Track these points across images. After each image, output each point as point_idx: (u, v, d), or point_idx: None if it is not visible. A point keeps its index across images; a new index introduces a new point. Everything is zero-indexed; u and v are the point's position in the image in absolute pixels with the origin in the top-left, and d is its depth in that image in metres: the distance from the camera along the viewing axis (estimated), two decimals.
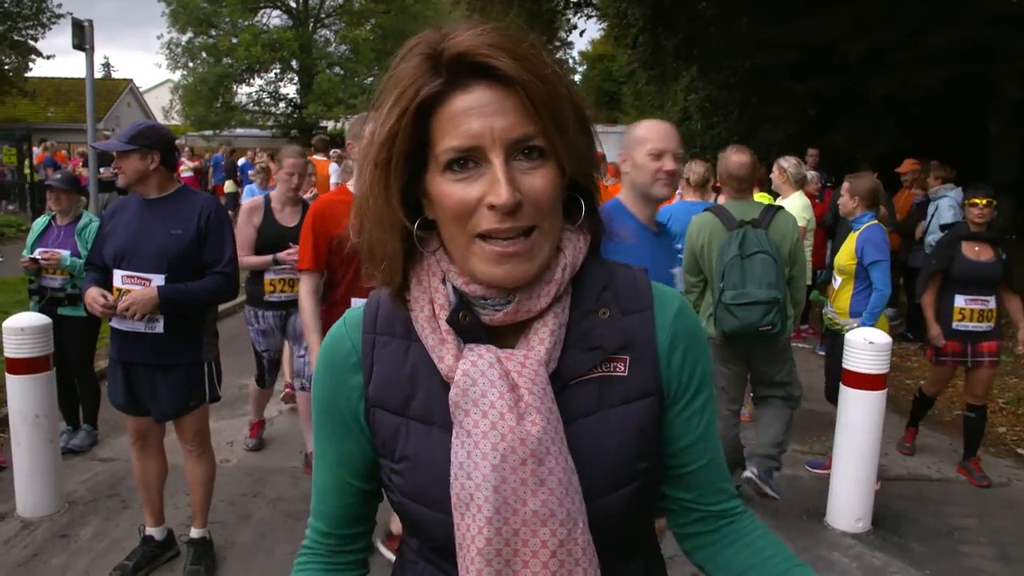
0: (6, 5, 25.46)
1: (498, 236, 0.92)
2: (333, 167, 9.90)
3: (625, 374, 1.01)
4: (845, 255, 4.78)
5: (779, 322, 3.88)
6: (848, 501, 4.23)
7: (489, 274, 0.94)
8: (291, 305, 4.59)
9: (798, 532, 4.18)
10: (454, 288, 0.99)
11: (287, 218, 4.72)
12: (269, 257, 4.60)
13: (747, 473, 4.22)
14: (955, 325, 4.82)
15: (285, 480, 4.71)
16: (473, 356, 0.96)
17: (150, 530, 3.68)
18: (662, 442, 1.05)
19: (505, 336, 1.00)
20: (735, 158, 4.19)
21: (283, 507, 4.35)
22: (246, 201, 4.30)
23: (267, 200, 4.80)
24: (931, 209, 7.92)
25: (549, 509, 0.91)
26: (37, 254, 4.75)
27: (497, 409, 0.92)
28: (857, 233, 4.73)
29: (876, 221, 4.77)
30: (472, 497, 0.92)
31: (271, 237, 4.64)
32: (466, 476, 0.93)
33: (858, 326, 4.46)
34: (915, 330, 8.58)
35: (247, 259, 4.53)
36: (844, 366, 4.22)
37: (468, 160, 0.92)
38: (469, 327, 0.98)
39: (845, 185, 4.90)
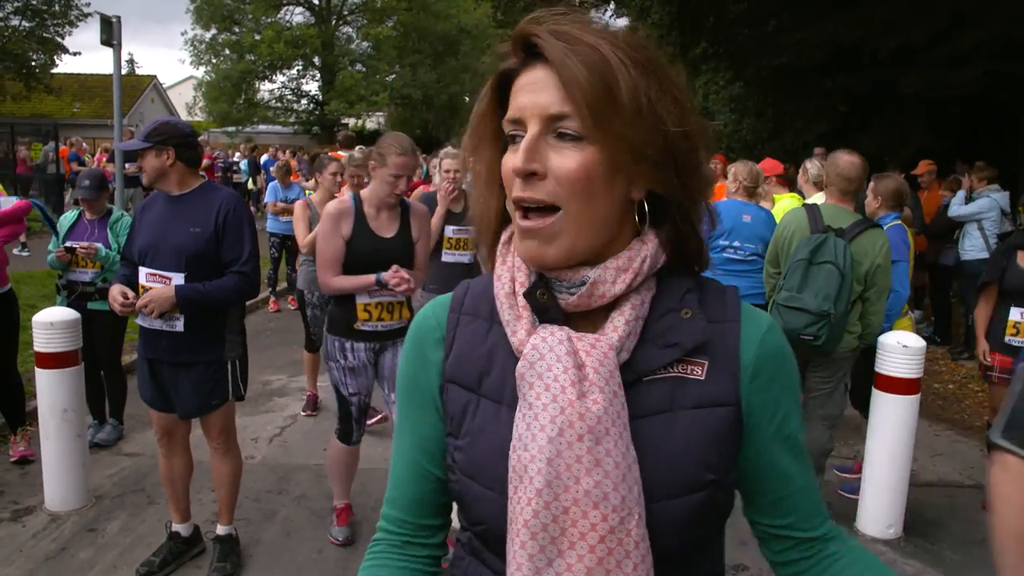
0: (34, 2, 25.75)
1: (520, 204, 0.94)
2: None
3: (702, 378, 0.98)
4: None
5: (824, 335, 3.76)
6: (879, 507, 4.16)
7: (520, 249, 0.97)
8: (388, 336, 3.75)
9: None
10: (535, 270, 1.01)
11: (384, 226, 3.70)
12: (371, 278, 3.59)
13: None
14: (1008, 339, 4.53)
15: (309, 477, 4.71)
16: (544, 332, 0.96)
17: (176, 526, 3.68)
18: (734, 462, 1.01)
19: (583, 324, 1.00)
20: (845, 159, 4.04)
21: (308, 504, 4.34)
22: (331, 203, 3.68)
23: (358, 203, 3.69)
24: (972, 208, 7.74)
25: (602, 491, 0.89)
26: (74, 246, 4.78)
27: (560, 383, 0.92)
28: None
29: (899, 222, 4.68)
30: (526, 469, 0.91)
31: (366, 252, 3.62)
32: (523, 448, 0.92)
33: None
34: (942, 333, 8.47)
35: (339, 281, 3.61)
36: (877, 370, 4.14)
37: (518, 134, 0.94)
38: (546, 307, 0.98)
39: (870, 186, 4.83)
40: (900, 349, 4.02)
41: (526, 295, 0.99)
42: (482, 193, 1.04)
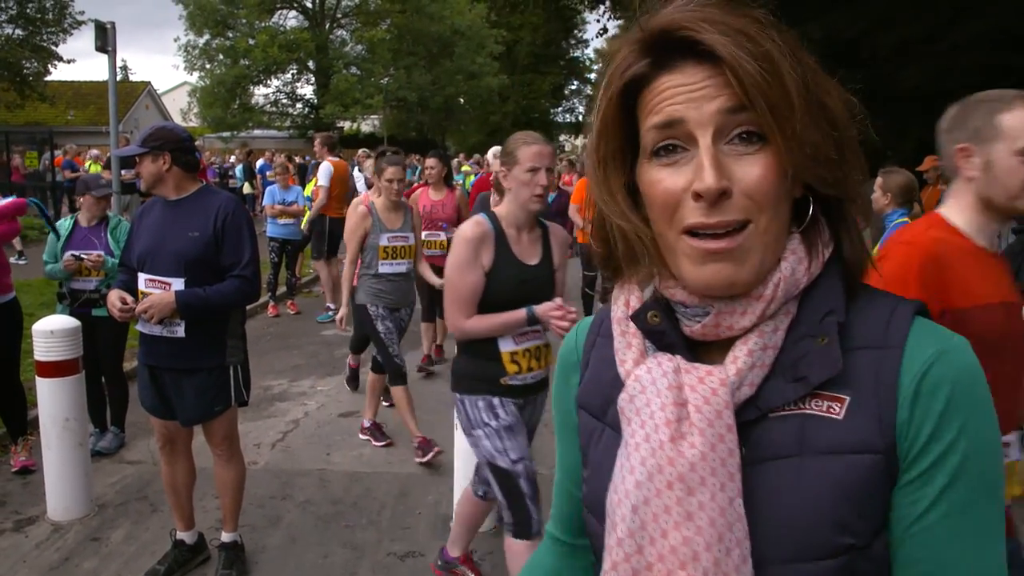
0: (28, 11, 25.73)
1: (705, 231, 0.80)
2: (324, 166, 8.83)
3: (840, 417, 0.80)
4: (876, 254, 4.68)
5: None
6: None
7: (694, 275, 0.82)
8: (536, 390, 3.06)
9: None
10: (654, 291, 0.90)
11: (528, 251, 2.95)
12: (521, 314, 2.83)
13: None
14: None
15: (313, 482, 4.68)
16: (652, 363, 0.86)
17: (181, 534, 3.65)
18: (884, 521, 0.80)
19: (709, 353, 0.87)
20: None
21: (312, 510, 4.32)
22: (466, 225, 2.91)
23: (496, 224, 2.91)
24: None
25: (692, 550, 0.77)
26: (88, 259, 4.75)
27: (655, 420, 0.82)
28: (887, 231, 4.61)
29: (908, 219, 4.62)
30: (615, 512, 0.83)
31: (509, 285, 2.87)
32: (614, 490, 0.84)
33: None
34: None
35: (478, 323, 2.85)
36: None
37: (676, 145, 0.82)
38: (660, 331, 0.88)
39: (877, 181, 4.80)
40: None
41: (633, 318, 0.89)
42: (623, 218, 0.89)
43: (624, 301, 0.93)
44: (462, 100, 37.27)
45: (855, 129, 0.86)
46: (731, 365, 0.83)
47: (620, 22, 20.16)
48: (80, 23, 26.31)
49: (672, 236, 0.83)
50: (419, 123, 36.84)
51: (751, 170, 0.79)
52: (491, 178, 6.29)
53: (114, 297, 3.22)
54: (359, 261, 5.16)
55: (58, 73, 28.22)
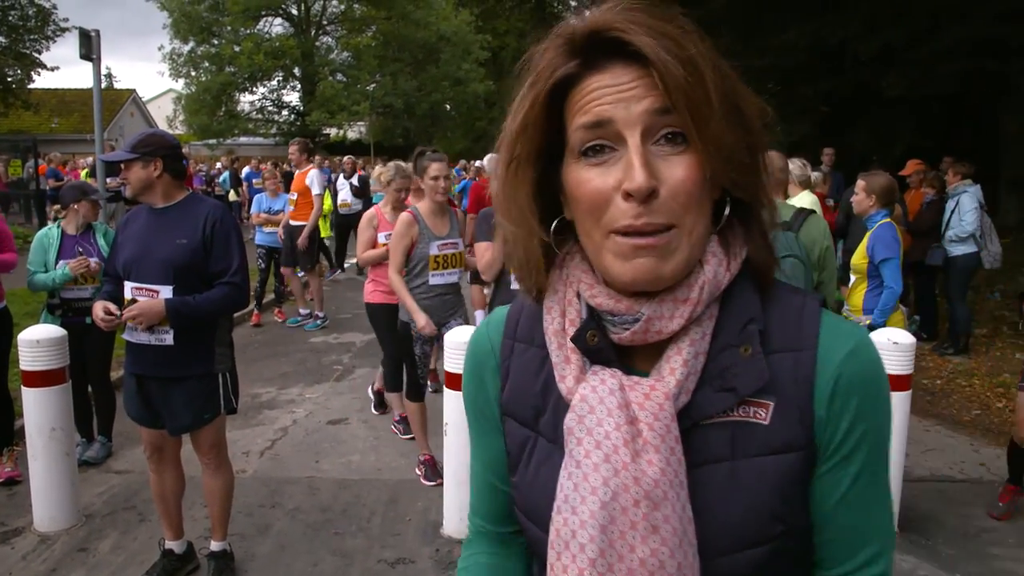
0: (11, 18, 25.56)
1: (634, 232, 0.82)
2: (314, 174, 8.71)
3: (766, 422, 0.86)
4: (859, 254, 4.83)
5: None
6: None
7: (621, 270, 0.83)
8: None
9: None
10: (586, 304, 0.91)
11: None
12: None
13: None
14: None
15: (302, 490, 4.67)
16: (595, 381, 0.88)
17: (169, 543, 3.63)
18: (806, 504, 0.89)
19: (637, 357, 0.91)
20: (771, 154, 4.19)
21: (301, 518, 4.31)
22: None
23: None
24: (950, 205, 7.84)
25: (659, 560, 0.82)
26: (93, 263, 4.75)
27: (612, 441, 0.84)
28: (871, 232, 4.77)
29: (889, 220, 4.78)
30: (575, 535, 0.84)
31: None
32: (571, 511, 0.85)
33: (869, 323, 4.49)
34: (928, 330, 8.53)
35: None
36: None
37: (604, 145, 0.83)
38: (600, 349, 0.89)
39: (860, 183, 4.91)
40: (891, 346, 4.04)
41: (574, 340, 0.90)
42: (519, 239, 0.92)
43: (560, 312, 0.93)
44: (448, 106, 37.29)
45: (767, 136, 0.89)
46: (669, 377, 0.86)
47: None
48: (64, 30, 26.14)
49: (599, 235, 0.85)
50: (405, 129, 36.77)
51: (676, 171, 0.81)
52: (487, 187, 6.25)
53: (98, 308, 3.21)
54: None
55: (42, 80, 28.01)
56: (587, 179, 0.84)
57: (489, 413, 1.03)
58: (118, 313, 3.20)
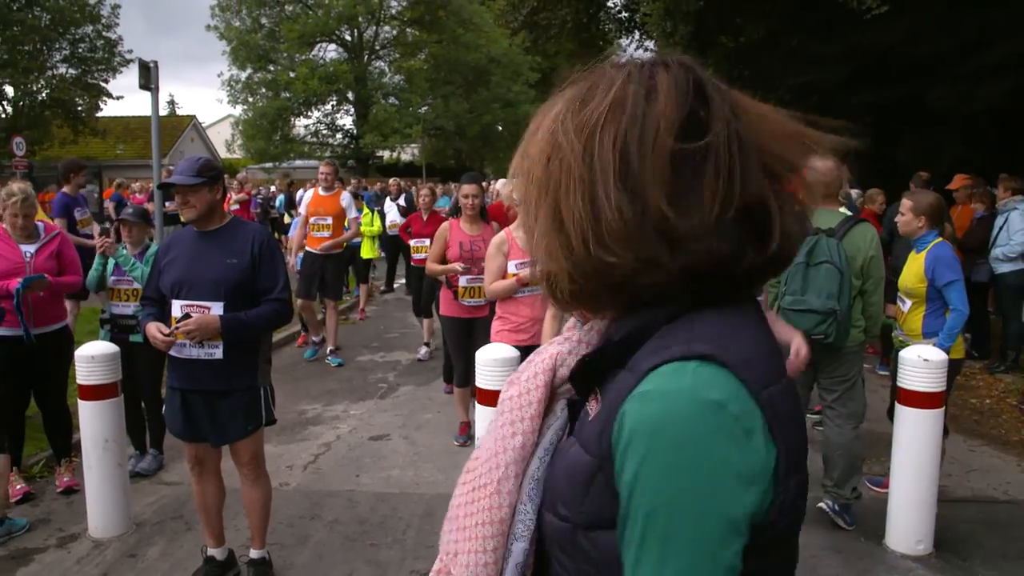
0: (80, 50, 26.77)
1: None
2: (346, 195, 8.40)
3: (592, 415, 0.91)
4: (913, 277, 4.55)
5: (833, 332, 3.96)
6: (907, 522, 4.13)
7: None
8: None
9: (856, 554, 4.09)
10: None
11: None
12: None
13: (821, 504, 4.36)
14: None
15: (342, 503, 4.81)
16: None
17: (211, 551, 3.80)
18: (597, 519, 0.87)
19: None
20: (820, 164, 4.02)
21: (340, 529, 4.44)
22: None
23: None
24: (999, 222, 7.69)
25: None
26: (111, 282, 5.07)
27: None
28: (923, 253, 4.50)
29: (942, 239, 4.56)
30: None
31: None
32: None
33: (935, 346, 4.27)
34: (980, 348, 8.34)
35: None
36: (899, 384, 4.14)
37: None
38: None
39: (906, 203, 4.64)
40: (921, 363, 4.01)
41: None
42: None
43: None
44: (499, 127, 37.63)
45: None
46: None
47: (653, 44, 20.24)
48: (128, 61, 27.27)
49: None
50: (457, 151, 37.24)
51: None
52: (507, 210, 6.38)
53: (152, 329, 3.38)
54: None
55: (108, 109, 29.24)
56: None
57: None
58: (170, 330, 3.36)
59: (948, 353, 4.21)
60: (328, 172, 8.38)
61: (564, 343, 1.03)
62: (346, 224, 8.28)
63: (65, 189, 7.79)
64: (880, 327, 4.29)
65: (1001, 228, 7.63)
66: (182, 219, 3.56)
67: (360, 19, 33.74)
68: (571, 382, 0.98)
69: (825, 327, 3.94)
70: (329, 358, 8.41)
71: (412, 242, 8.45)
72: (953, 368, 4.41)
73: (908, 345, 4.53)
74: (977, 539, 4.33)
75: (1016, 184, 7.77)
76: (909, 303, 4.64)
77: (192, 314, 3.36)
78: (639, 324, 0.89)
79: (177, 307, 3.42)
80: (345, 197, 8.30)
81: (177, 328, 3.34)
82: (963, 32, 9.45)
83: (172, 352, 3.46)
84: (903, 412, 4.12)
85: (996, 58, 9.23)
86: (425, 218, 8.44)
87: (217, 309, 3.37)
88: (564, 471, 0.92)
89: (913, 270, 4.58)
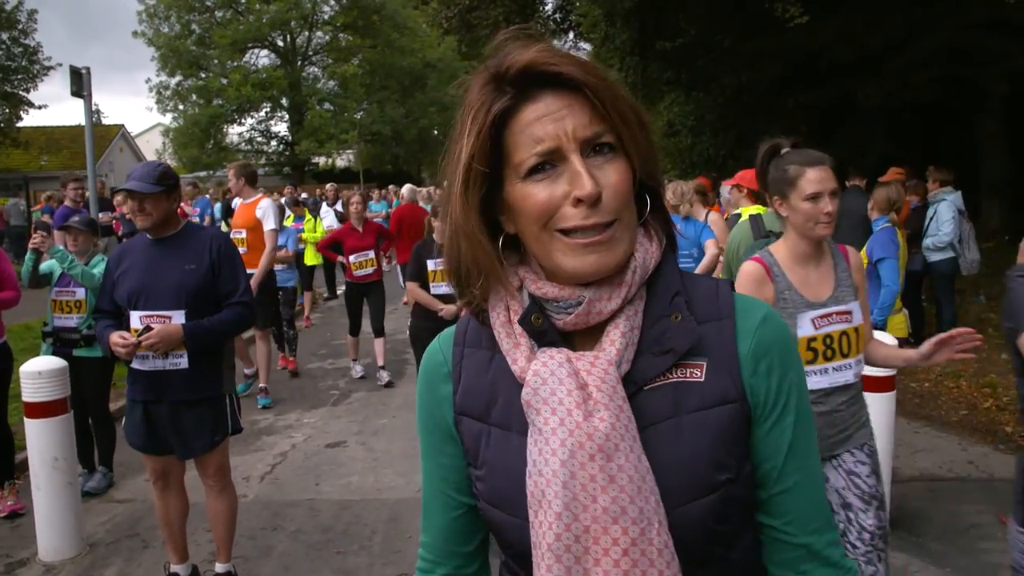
0: None
1: (583, 230, 0.95)
2: (266, 204, 6.80)
3: (702, 379, 0.99)
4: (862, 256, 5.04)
5: None
6: None
7: (575, 266, 0.96)
8: None
9: None
10: (530, 295, 1.03)
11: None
12: None
13: None
14: None
15: (303, 512, 4.73)
16: (544, 357, 0.99)
17: (175, 567, 3.69)
18: (747, 455, 1.02)
19: (579, 341, 1.03)
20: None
21: (303, 539, 4.37)
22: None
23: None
24: (930, 213, 8.01)
25: (620, 506, 0.91)
26: (54, 294, 4.87)
27: (565, 406, 0.95)
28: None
29: (889, 224, 5.13)
30: (544, 494, 0.94)
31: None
32: (538, 473, 0.95)
33: (871, 321, 4.58)
34: (915, 334, 8.65)
35: None
36: None
37: (546, 164, 0.96)
38: (543, 331, 1.01)
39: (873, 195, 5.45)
40: None
41: (521, 322, 1.01)
42: (475, 238, 1.01)
43: (504, 308, 1.05)
44: (436, 131, 37.58)
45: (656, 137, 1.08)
46: (610, 347, 0.99)
47: (589, 47, 20.47)
48: (49, 68, 26.33)
49: (548, 238, 0.98)
50: (394, 156, 37.02)
51: (611, 176, 0.96)
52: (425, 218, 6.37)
53: (115, 337, 3.26)
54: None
55: (30, 119, 28.17)
56: (535, 193, 0.97)
57: (442, 421, 1.11)
58: (135, 340, 3.24)
59: (884, 328, 4.45)
60: (232, 175, 7.07)
61: (607, 347, 0.99)
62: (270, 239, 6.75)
63: None
64: None
65: (931, 219, 7.94)
66: (139, 226, 3.43)
67: (293, 24, 33.33)
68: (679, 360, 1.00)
69: None
70: (258, 397, 7.09)
71: (352, 258, 7.61)
72: None
73: None
74: (927, 516, 4.50)
75: (943, 176, 8.11)
76: None
77: (153, 325, 3.26)
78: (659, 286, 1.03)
79: (136, 318, 3.31)
80: (263, 206, 6.79)
81: (139, 341, 3.23)
82: (891, 30, 9.81)
83: (134, 364, 3.35)
84: None
85: (923, 54, 9.61)
86: (360, 228, 7.81)
87: (179, 318, 3.28)
88: (711, 439, 0.98)
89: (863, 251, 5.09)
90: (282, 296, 8.09)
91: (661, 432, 0.98)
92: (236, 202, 7.48)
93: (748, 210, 6.41)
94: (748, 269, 2.68)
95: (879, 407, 4.18)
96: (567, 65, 0.95)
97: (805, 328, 2.59)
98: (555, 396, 0.96)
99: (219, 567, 3.70)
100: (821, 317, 2.61)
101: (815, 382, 2.63)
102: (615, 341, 0.99)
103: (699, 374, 1.00)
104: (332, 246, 8.17)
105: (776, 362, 1.02)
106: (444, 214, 1.06)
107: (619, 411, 0.94)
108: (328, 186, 15.33)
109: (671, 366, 0.99)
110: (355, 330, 8.02)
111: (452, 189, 1.02)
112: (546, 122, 0.95)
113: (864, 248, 5.05)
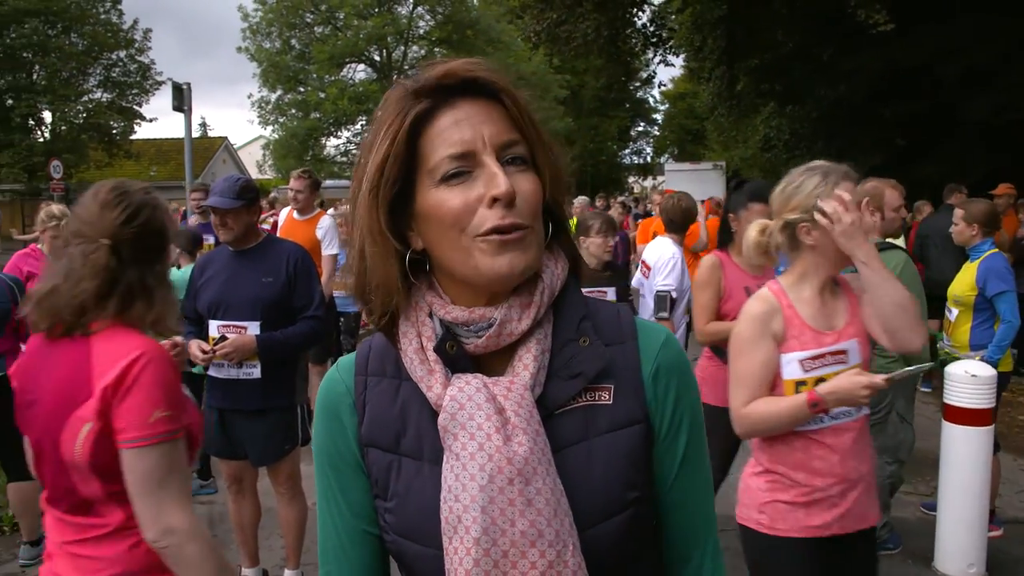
0: (114, 75, 27.35)
1: (499, 231, 0.94)
2: (327, 223, 5.97)
3: (610, 402, 1.02)
4: (964, 286, 4.54)
5: None
6: (957, 544, 3.99)
7: (492, 267, 0.95)
8: None
9: None
10: (440, 321, 1.02)
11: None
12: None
13: None
14: None
15: None
16: (460, 383, 0.98)
17: (246, 571, 3.78)
18: (651, 472, 1.05)
19: (492, 365, 1.02)
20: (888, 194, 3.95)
21: None
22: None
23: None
24: None
25: (537, 530, 0.92)
26: None
27: (484, 431, 0.94)
28: (977, 263, 4.48)
29: (996, 249, 4.54)
30: (460, 519, 0.93)
31: None
32: (454, 499, 0.93)
33: (981, 359, 4.20)
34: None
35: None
36: (945, 401, 4.02)
37: (462, 170, 0.96)
38: (456, 357, 1.00)
39: (958, 212, 4.66)
40: (968, 379, 3.89)
41: (436, 349, 1.00)
42: (382, 244, 1.00)
43: (416, 334, 1.02)
44: None
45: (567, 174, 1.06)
46: (524, 372, 0.99)
47: (682, 59, 20.22)
48: (160, 83, 27.84)
49: (466, 243, 0.96)
50: None
51: (524, 184, 0.97)
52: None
53: (194, 347, 3.36)
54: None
55: (142, 131, 29.82)
56: (450, 198, 0.96)
57: (348, 455, 1.07)
58: (211, 349, 3.34)
59: (996, 366, 4.10)
60: (299, 188, 5.94)
61: (521, 371, 1.00)
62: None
63: None
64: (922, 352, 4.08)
65: None
66: (221, 240, 3.53)
67: (389, 39, 34.09)
68: (588, 384, 1.02)
69: None
70: None
71: None
72: (1001, 382, 4.28)
73: (955, 357, 4.43)
74: None
75: None
76: (956, 312, 4.60)
77: (228, 335, 3.35)
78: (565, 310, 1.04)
79: (214, 327, 3.42)
80: (324, 226, 5.87)
81: (215, 350, 3.33)
82: (998, 43, 9.29)
83: (211, 371, 3.46)
84: (950, 430, 4.00)
85: None
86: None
87: (254, 328, 3.36)
88: (620, 460, 1.00)
89: (965, 279, 4.56)
90: (343, 323, 7.18)
91: (573, 455, 0.99)
92: (283, 213, 6.63)
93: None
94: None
95: (975, 442, 3.93)
96: (484, 71, 0.97)
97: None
98: (473, 421, 0.95)
99: (288, 573, 3.76)
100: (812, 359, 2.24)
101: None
102: (528, 365, 0.99)
103: (607, 397, 1.02)
104: None
105: (674, 383, 1.05)
106: (351, 220, 1.04)
107: (536, 435, 0.95)
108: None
109: (580, 391, 1.01)
110: None
111: (360, 194, 1.00)
112: (463, 126, 0.96)
113: (971, 276, 4.47)
